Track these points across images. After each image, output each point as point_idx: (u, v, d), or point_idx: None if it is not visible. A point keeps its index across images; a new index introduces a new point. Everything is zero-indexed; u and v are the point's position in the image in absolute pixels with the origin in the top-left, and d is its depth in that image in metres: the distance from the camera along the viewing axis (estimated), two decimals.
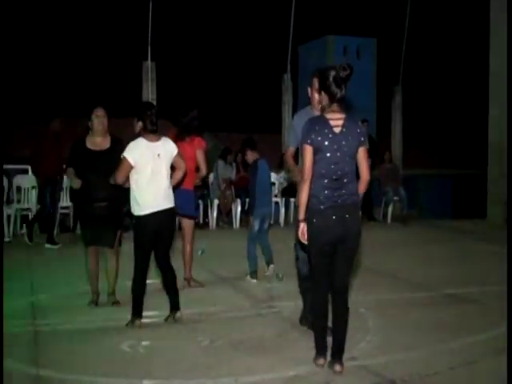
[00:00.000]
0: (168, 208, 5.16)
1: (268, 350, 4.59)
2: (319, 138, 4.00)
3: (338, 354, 4.12)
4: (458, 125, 26.30)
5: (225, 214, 11.66)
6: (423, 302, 6.11)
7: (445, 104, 27.56)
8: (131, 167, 5.01)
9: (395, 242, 10.05)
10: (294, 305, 5.54)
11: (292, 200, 12.07)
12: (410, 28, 15.03)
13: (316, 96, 4.71)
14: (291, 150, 5.08)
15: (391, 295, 6.31)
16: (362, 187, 4.17)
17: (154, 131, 5.12)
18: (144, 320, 5.16)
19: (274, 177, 11.97)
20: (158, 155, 5.06)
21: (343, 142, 4.02)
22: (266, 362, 4.32)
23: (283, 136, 13.73)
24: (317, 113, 4.60)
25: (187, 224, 6.61)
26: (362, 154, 4.10)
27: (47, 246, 9.06)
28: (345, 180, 4.04)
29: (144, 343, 4.70)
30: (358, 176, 4.17)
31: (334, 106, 4.09)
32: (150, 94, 12.05)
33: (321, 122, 4.06)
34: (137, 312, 5.12)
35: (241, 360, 4.37)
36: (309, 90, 4.92)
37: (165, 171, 5.14)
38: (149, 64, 12.12)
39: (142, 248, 5.14)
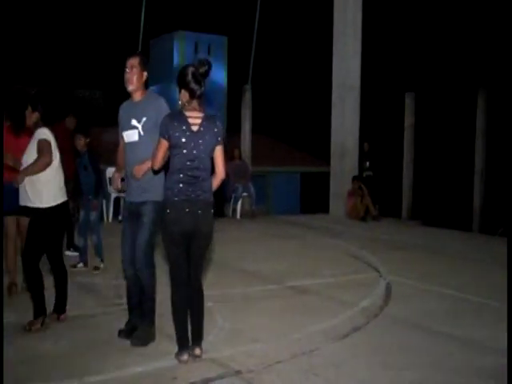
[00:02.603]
0: (65, 201, 5.06)
1: (115, 347, 4.52)
2: (177, 134, 4.07)
3: (197, 341, 4.28)
4: (306, 123, 27.39)
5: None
6: (269, 294, 6.32)
7: (294, 103, 28.60)
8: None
9: (244, 237, 10.30)
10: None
11: None
12: (259, 28, 15.41)
13: (135, 78, 4.64)
14: (122, 143, 4.89)
15: (239, 289, 6.45)
16: (216, 183, 4.30)
17: (50, 122, 4.98)
18: None
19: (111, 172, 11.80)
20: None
21: (200, 141, 4.12)
22: (113, 359, 4.26)
23: None
24: (133, 98, 4.73)
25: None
26: (218, 153, 4.24)
27: (68, 253, 7.91)
28: (200, 178, 4.15)
29: None
30: (212, 172, 4.30)
31: (194, 103, 4.18)
32: None
33: (180, 119, 4.12)
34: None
35: (86, 359, 4.27)
36: (130, 72, 4.68)
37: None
38: None
39: (40, 243, 4.94)
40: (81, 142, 7.06)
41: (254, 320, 5.33)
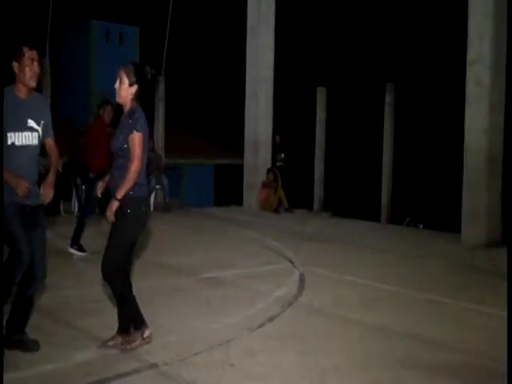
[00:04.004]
0: None
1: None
2: (146, 130, 4.17)
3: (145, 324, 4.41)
4: (222, 116, 27.40)
5: None
6: (184, 287, 6.28)
7: (209, 95, 28.55)
8: None
9: (157, 229, 10.14)
10: (50, 296, 5.34)
11: None
12: (173, 19, 15.25)
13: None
14: None
15: (154, 282, 6.36)
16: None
17: None
18: None
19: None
20: None
21: None
22: (23, 356, 4.09)
23: None
24: (21, 94, 4.13)
25: None
26: None
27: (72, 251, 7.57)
28: None
29: None
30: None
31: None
32: None
33: (143, 115, 4.22)
34: None
35: None
36: (37, 66, 4.16)
37: None
38: None
39: None
40: None
41: (170, 313, 5.28)
